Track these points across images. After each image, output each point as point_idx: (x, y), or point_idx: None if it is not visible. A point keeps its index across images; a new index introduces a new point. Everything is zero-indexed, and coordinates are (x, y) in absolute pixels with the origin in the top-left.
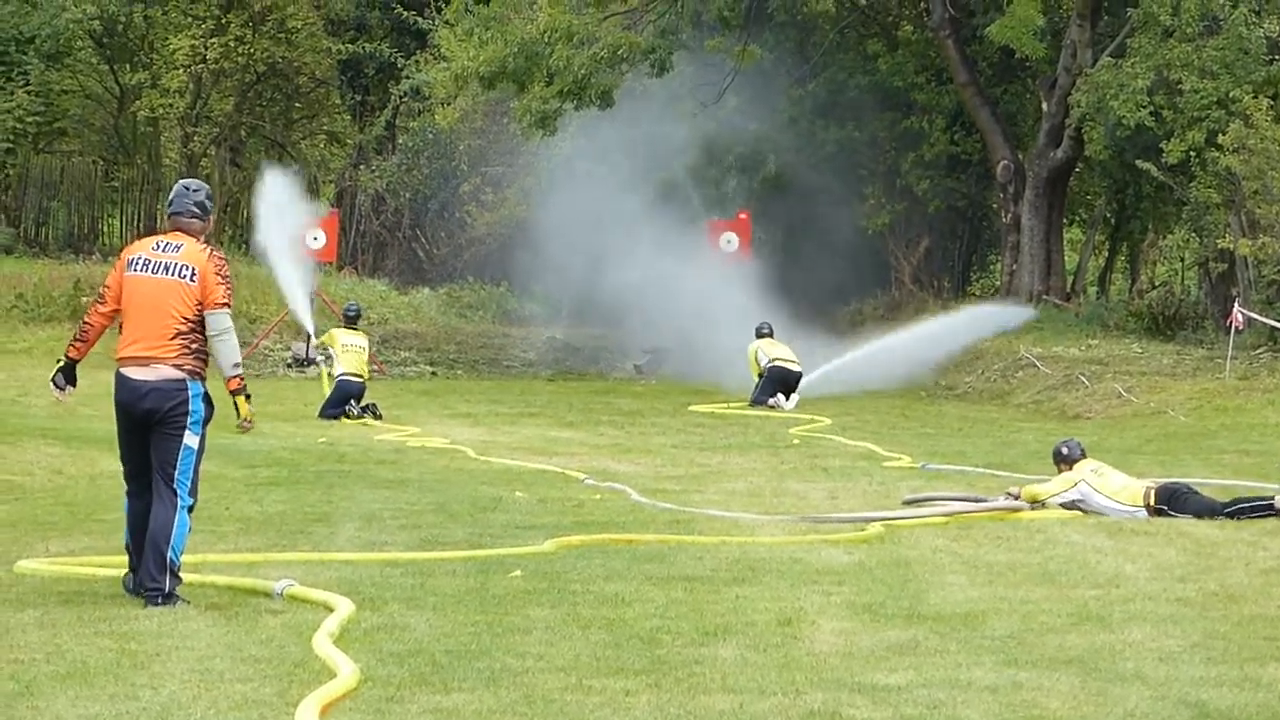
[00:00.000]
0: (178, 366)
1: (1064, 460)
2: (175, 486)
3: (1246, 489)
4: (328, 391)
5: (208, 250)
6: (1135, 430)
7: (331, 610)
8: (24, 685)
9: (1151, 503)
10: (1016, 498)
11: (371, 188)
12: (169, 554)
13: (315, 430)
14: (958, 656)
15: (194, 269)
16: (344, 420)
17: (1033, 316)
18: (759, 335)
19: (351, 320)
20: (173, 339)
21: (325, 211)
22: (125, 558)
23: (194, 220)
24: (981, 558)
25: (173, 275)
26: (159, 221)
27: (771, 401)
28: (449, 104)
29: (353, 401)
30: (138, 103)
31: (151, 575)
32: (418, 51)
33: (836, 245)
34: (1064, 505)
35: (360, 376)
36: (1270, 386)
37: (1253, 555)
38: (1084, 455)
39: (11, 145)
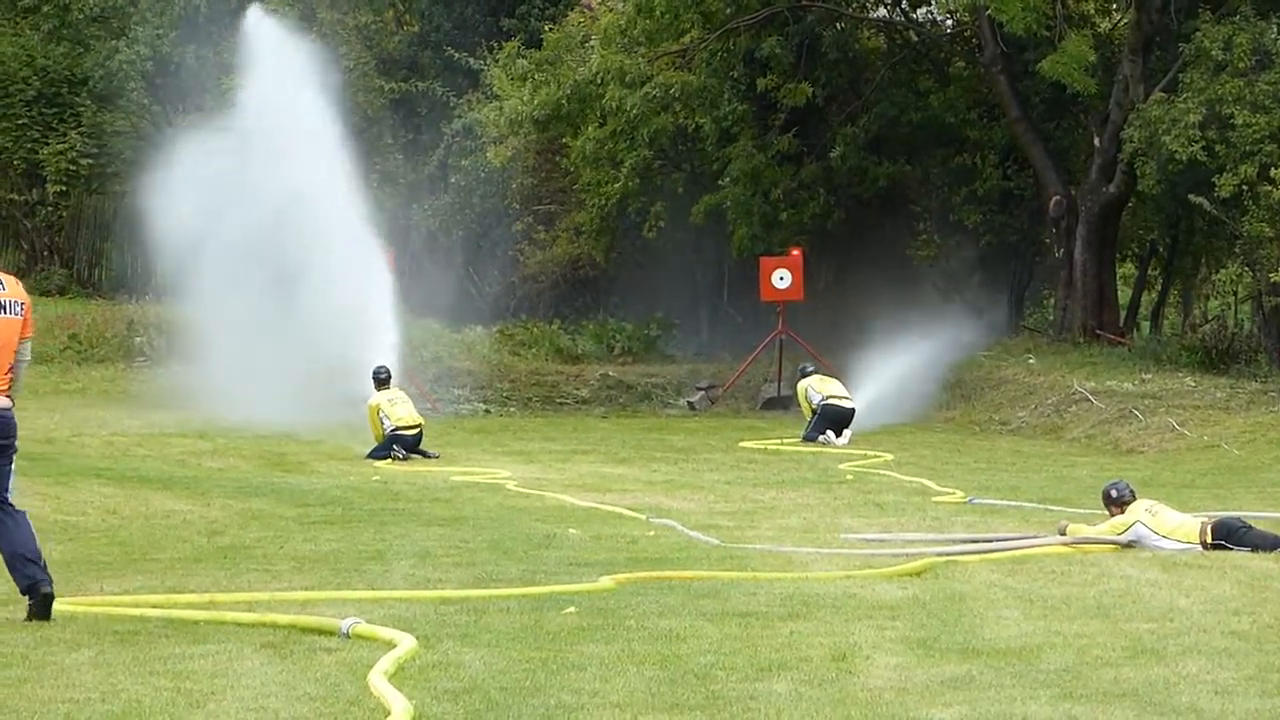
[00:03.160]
0: (9, 397)
1: (1115, 503)
2: (13, 504)
3: None
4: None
5: (19, 283)
6: (1189, 464)
7: (393, 646)
8: None
9: (1209, 539)
10: (1064, 532)
11: (424, 226)
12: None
13: (368, 469)
14: (1013, 691)
15: (22, 303)
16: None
17: None
18: (804, 375)
19: (383, 383)
20: (7, 373)
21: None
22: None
23: None
24: (1035, 592)
25: (9, 313)
26: None
27: (822, 438)
28: (501, 143)
29: (398, 448)
30: None
31: (48, 577)
32: (470, 90)
33: (888, 281)
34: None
35: (416, 426)
36: None
37: None
38: (1134, 496)
39: (64, 187)
